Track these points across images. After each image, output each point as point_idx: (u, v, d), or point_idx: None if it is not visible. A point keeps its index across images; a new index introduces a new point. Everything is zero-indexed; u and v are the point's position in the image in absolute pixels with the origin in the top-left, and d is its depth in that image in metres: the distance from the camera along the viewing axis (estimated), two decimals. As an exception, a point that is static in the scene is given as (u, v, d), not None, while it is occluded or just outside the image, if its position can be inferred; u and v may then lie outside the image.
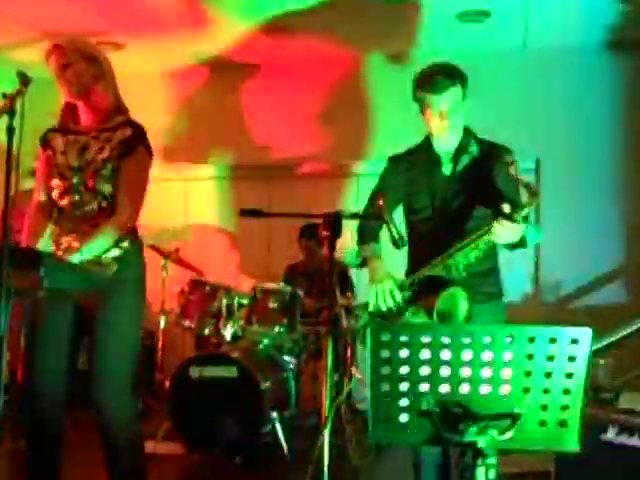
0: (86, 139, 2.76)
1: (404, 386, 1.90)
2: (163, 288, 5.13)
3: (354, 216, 2.35)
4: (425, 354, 1.88)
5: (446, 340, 1.88)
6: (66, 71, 2.70)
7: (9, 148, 2.13)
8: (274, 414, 4.06)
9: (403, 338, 1.89)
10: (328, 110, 6.02)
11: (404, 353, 1.89)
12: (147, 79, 6.16)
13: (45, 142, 2.83)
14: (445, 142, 2.71)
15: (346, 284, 4.90)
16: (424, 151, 2.78)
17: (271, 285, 4.51)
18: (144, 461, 2.79)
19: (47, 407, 2.66)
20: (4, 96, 2.16)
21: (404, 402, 1.91)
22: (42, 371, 2.66)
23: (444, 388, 1.89)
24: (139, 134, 2.76)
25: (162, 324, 5.17)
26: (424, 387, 1.90)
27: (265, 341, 4.45)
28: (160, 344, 5.16)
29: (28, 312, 2.72)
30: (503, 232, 2.43)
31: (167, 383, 4.19)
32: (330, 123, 5.98)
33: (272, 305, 4.34)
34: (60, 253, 2.60)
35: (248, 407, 4.03)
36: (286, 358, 4.55)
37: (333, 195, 5.80)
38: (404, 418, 1.92)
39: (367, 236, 2.80)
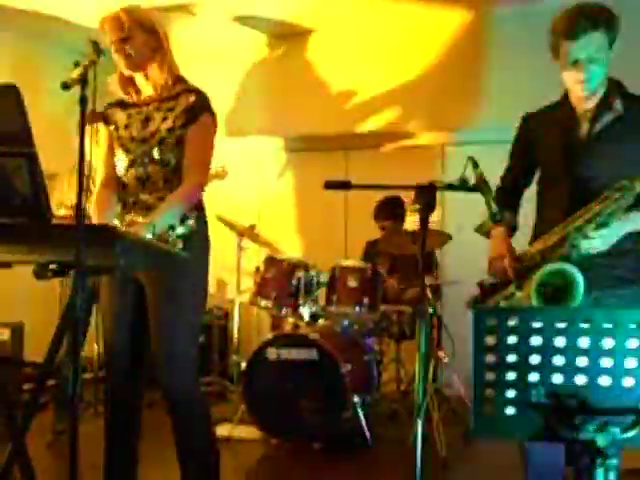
0: (148, 110, 2.67)
1: (511, 376, 1.71)
2: (238, 266, 5.03)
3: (449, 187, 2.14)
4: (536, 341, 1.69)
5: (561, 325, 1.67)
6: (124, 43, 2.59)
7: (82, 118, 2.01)
8: (355, 399, 3.90)
9: (511, 323, 1.70)
10: (414, 76, 5.75)
11: (512, 339, 1.70)
12: (215, 48, 6.05)
13: (106, 117, 2.75)
14: (582, 98, 2.37)
15: (431, 262, 4.68)
16: (559, 109, 2.46)
17: (351, 262, 4.34)
18: (214, 443, 2.72)
19: (123, 380, 2.65)
20: (76, 65, 2.04)
21: (511, 393, 1.72)
22: (114, 347, 2.65)
23: (557, 378, 1.70)
24: (202, 101, 2.66)
25: (237, 304, 5.07)
26: (534, 377, 1.71)
27: (345, 322, 4.29)
28: (236, 324, 5.07)
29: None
30: None
31: (243, 365, 4.08)
32: (416, 90, 5.71)
33: (352, 284, 4.16)
34: (124, 229, 2.50)
35: (328, 391, 3.88)
36: (367, 340, 4.38)
37: (416, 168, 5.51)
38: (510, 411, 1.73)
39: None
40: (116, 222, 2.63)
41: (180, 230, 2.57)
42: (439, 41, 5.69)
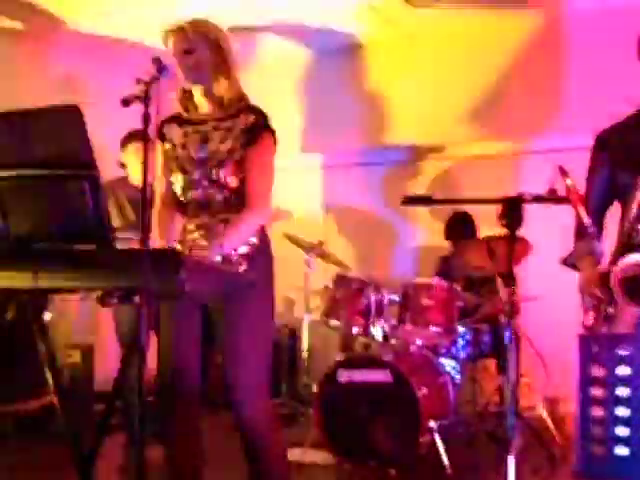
0: (206, 129, 2.56)
1: (623, 411, 1.51)
2: (306, 284, 4.90)
3: (538, 199, 1.96)
4: (652, 372, 1.49)
5: (683, 355, 1.47)
6: (187, 57, 2.49)
7: (145, 136, 1.91)
8: (432, 423, 3.70)
9: (622, 352, 1.50)
10: (480, 84, 5.54)
11: (623, 370, 1.50)
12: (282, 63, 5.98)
13: (161, 135, 2.64)
14: None
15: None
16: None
17: (424, 280, 4.14)
18: (286, 467, 2.61)
19: (182, 407, 2.53)
20: (138, 82, 1.95)
21: (623, 431, 1.52)
22: (177, 371, 2.52)
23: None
24: (262, 120, 2.54)
25: (306, 323, 4.94)
26: (651, 413, 1.50)
27: (419, 342, 4.10)
28: (305, 345, 4.93)
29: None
30: None
31: (315, 387, 3.93)
32: (492, 95, 5.50)
33: (426, 302, 3.97)
34: (187, 252, 2.40)
35: (403, 415, 3.69)
36: (443, 360, 4.17)
37: (490, 178, 5.29)
38: (622, 451, 1.53)
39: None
40: (177, 245, 2.54)
41: (243, 249, 2.48)
42: (506, 46, 5.46)
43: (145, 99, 1.90)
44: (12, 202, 1.96)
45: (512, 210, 1.93)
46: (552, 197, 1.99)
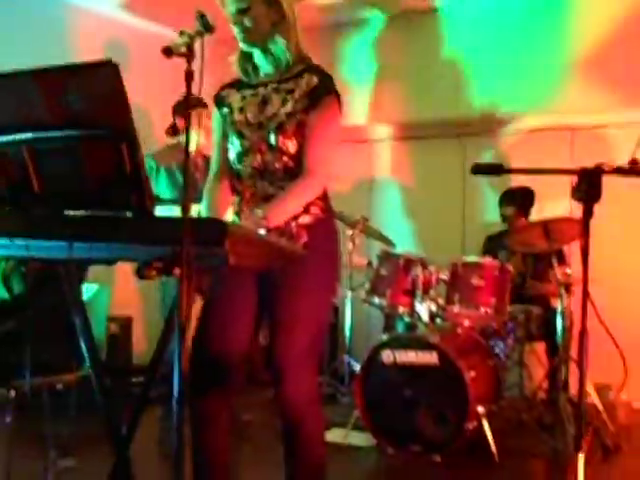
0: (266, 92, 2.38)
1: None
2: (350, 261, 4.73)
3: (618, 171, 1.77)
4: None
5: None
6: (243, 15, 2.31)
7: (187, 96, 1.76)
8: (480, 408, 3.54)
9: None
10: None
11: None
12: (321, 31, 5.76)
13: (220, 100, 2.48)
14: None
15: (562, 258, 4.25)
16: None
17: (474, 258, 3.96)
18: (324, 451, 2.43)
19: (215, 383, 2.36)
20: (181, 34, 1.79)
21: None
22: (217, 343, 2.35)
23: None
24: (326, 82, 2.35)
25: (349, 301, 4.79)
26: None
27: (467, 323, 3.92)
28: (347, 323, 4.79)
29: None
30: None
31: (357, 368, 3.79)
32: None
33: (476, 282, 3.78)
34: (244, 223, 2.24)
35: (450, 399, 3.54)
36: (492, 342, 4.00)
37: (540, 154, 5.04)
38: None
39: None
40: (233, 216, 2.39)
41: (304, 219, 2.32)
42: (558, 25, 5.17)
43: (188, 54, 1.74)
44: (46, 166, 1.83)
45: (589, 183, 1.75)
46: (634, 169, 1.80)
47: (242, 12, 2.31)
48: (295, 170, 2.32)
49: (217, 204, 2.42)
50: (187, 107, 1.80)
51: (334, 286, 2.46)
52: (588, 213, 1.76)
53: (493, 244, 4.71)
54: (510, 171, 1.73)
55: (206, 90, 2.04)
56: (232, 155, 2.41)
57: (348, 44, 5.89)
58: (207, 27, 1.91)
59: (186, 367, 1.67)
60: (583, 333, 1.75)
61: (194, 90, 1.79)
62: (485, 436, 3.59)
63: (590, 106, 5.04)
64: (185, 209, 1.73)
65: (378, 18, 5.76)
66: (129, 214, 1.79)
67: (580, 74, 5.05)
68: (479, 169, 1.75)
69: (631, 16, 4.90)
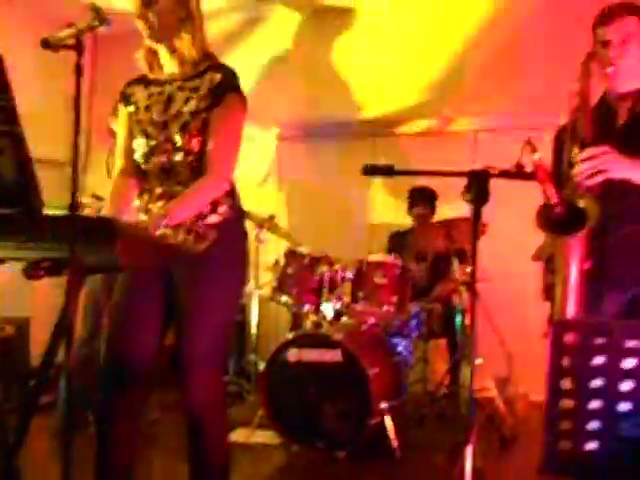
0: (171, 89, 2.35)
1: (596, 404, 1.40)
2: (257, 260, 4.72)
3: (504, 174, 1.83)
4: (629, 362, 1.38)
5: (661, 344, 1.36)
6: (149, 9, 2.26)
7: (77, 91, 1.70)
8: (382, 404, 3.59)
9: (599, 340, 1.38)
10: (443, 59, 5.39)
11: (598, 360, 1.39)
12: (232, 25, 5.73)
13: (125, 97, 2.44)
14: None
15: (464, 257, 4.37)
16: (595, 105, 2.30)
17: (379, 257, 4.01)
18: (228, 451, 2.45)
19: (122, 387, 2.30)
20: (69, 26, 1.73)
21: (594, 425, 1.42)
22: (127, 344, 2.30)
23: (653, 409, 1.38)
24: (230, 79, 2.34)
25: (255, 299, 4.77)
26: (625, 406, 1.39)
27: (371, 320, 3.98)
28: (254, 321, 4.77)
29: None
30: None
31: (262, 366, 3.78)
32: (446, 73, 5.35)
33: (380, 280, 3.85)
34: (144, 221, 2.20)
35: (353, 396, 3.57)
36: (395, 340, 4.07)
37: (446, 154, 5.17)
38: (593, 446, 1.43)
39: None
40: (142, 216, 2.34)
41: (212, 219, 2.30)
42: (470, 23, 5.32)
43: (77, 47, 1.68)
44: None
45: (477, 185, 1.80)
46: (519, 173, 1.87)
47: (147, 6, 2.27)
48: (200, 169, 2.29)
49: (118, 202, 2.37)
50: (77, 101, 1.73)
51: (240, 286, 2.45)
52: (477, 214, 1.81)
53: (397, 243, 4.79)
54: (400, 173, 1.76)
55: (101, 85, 2.00)
56: (138, 154, 2.37)
57: (257, 39, 5.87)
58: (101, 20, 1.86)
59: (71, 370, 1.63)
60: (471, 329, 1.80)
61: (85, 85, 1.75)
62: (388, 432, 3.65)
63: (491, 109, 5.21)
64: (74, 208, 1.69)
65: (285, 15, 5.76)
66: (17, 212, 1.72)
67: (481, 78, 5.22)
68: (370, 170, 1.77)
69: (522, 22, 5.10)
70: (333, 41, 5.70)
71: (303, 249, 4.09)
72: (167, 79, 2.38)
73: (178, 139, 2.28)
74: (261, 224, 4.64)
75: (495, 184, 1.92)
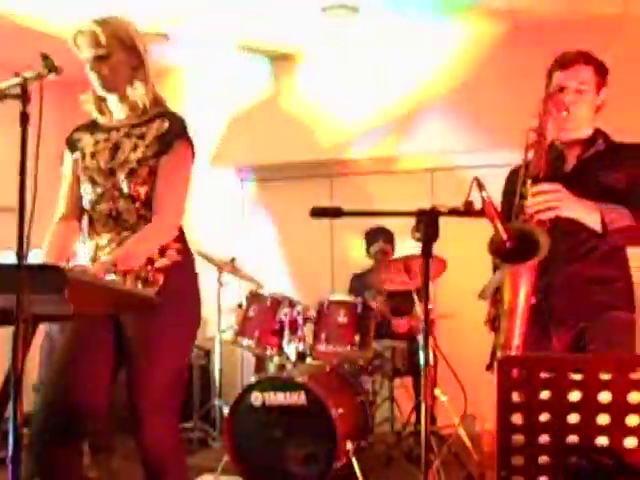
0: (118, 136, 2.35)
1: (544, 438, 1.41)
2: (218, 302, 4.70)
3: (454, 212, 1.86)
4: (575, 396, 1.39)
5: (605, 377, 1.38)
6: (101, 63, 2.28)
7: (23, 140, 1.70)
8: (349, 445, 3.56)
9: (544, 375, 1.40)
10: (400, 100, 5.47)
11: (545, 395, 1.40)
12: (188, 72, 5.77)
13: (72, 143, 2.43)
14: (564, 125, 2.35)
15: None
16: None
17: (340, 297, 4.01)
18: None
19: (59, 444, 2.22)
20: (16, 75, 1.73)
21: (544, 459, 1.42)
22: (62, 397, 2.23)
23: (601, 441, 1.39)
24: (178, 127, 2.35)
25: (218, 343, 4.73)
26: (573, 439, 1.40)
27: (335, 361, 3.96)
28: (217, 365, 4.72)
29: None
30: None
31: (226, 411, 3.73)
32: (399, 112, 5.44)
33: (342, 320, 3.84)
34: (91, 269, 2.17)
35: (319, 438, 3.53)
36: (359, 379, 4.05)
37: (403, 193, 5.23)
38: (544, 480, 1.43)
39: None
40: (88, 263, 2.31)
41: (160, 263, 2.28)
42: (426, 62, 5.44)
43: (23, 96, 1.68)
44: None
45: (427, 223, 1.82)
46: (468, 210, 1.89)
47: (100, 59, 2.28)
48: (147, 216, 2.29)
49: (57, 248, 2.35)
50: (22, 152, 1.71)
51: (191, 330, 2.41)
52: (427, 252, 1.83)
53: (359, 282, 4.80)
54: (348, 214, 1.78)
55: (50, 134, 1.99)
56: (85, 201, 2.36)
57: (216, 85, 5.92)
58: (51, 69, 1.86)
59: (21, 423, 1.59)
60: (425, 367, 1.81)
61: (33, 133, 1.74)
62: (354, 472, 3.61)
63: (449, 148, 5.30)
64: (21, 256, 1.67)
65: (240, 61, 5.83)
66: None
67: (439, 116, 5.31)
68: (318, 212, 1.79)
69: (486, 59, 5.21)
70: (288, 84, 5.78)
71: (264, 291, 4.08)
72: (114, 126, 2.38)
73: (124, 186, 2.28)
74: (222, 266, 4.62)
75: (458, 222, 1.96)
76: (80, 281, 1.76)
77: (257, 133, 5.70)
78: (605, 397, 1.37)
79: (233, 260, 4.66)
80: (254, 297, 4.01)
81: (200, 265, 4.47)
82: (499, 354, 2.24)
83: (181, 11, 4.83)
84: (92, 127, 2.43)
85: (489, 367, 2.30)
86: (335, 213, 1.77)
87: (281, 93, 5.76)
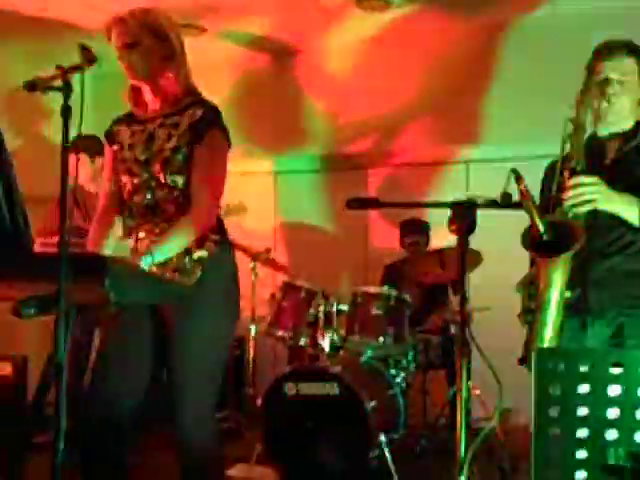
0: (152, 127, 2.37)
1: (583, 432, 1.40)
2: (253, 293, 4.73)
3: (491, 204, 1.85)
4: (614, 390, 1.38)
5: (646, 371, 1.36)
6: (132, 51, 2.29)
7: (65, 131, 1.73)
8: (382, 437, 3.56)
9: (583, 368, 1.39)
10: (430, 90, 5.43)
11: (584, 389, 1.39)
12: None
13: (110, 136, 2.46)
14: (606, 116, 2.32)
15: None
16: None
17: (374, 289, 4.01)
18: None
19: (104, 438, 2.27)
20: (57, 67, 1.76)
21: (582, 454, 1.41)
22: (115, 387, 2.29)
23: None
24: (212, 115, 2.35)
25: (252, 333, 4.76)
26: (612, 434, 1.39)
27: (369, 353, 3.96)
28: (251, 356, 4.76)
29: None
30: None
31: (259, 401, 3.76)
32: (432, 104, 5.40)
33: (376, 312, 3.84)
34: (130, 260, 2.20)
35: (352, 429, 3.54)
36: (393, 372, 4.05)
37: (439, 184, 5.21)
38: (581, 475, 1.42)
39: None
40: (128, 254, 2.32)
41: (198, 254, 2.29)
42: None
43: (65, 89, 1.71)
44: None
45: (463, 215, 1.81)
46: (506, 202, 1.88)
47: (129, 47, 2.29)
48: (186, 204, 2.30)
49: (102, 239, 2.39)
50: (64, 144, 1.74)
51: (229, 322, 2.43)
52: (464, 245, 1.82)
53: (392, 273, 4.79)
54: (385, 205, 1.78)
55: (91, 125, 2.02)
56: (124, 192, 2.39)
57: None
58: (90, 60, 1.88)
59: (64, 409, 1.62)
60: (461, 363, 1.80)
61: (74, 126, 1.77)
62: (388, 464, 3.61)
63: (486, 139, 5.26)
64: (63, 244, 1.70)
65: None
66: (6, 250, 1.74)
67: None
68: (354, 204, 1.79)
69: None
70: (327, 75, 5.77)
71: (299, 282, 4.10)
72: (150, 116, 2.40)
73: (161, 176, 2.30)
74: (257, 257, 4.64)
75: (493, 214, 1.94)
76: (121, 270, 1.79)
77: (292, 125, 5.71)
78: (645, 392, 1.36)
79: (268, 250, 4.68)
80: (288, 288, 4.03)
81: (236, 256, 4.57)
82: (531, 347, 2.23)
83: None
84: (129, 119, 2.45)
85: (522, 361, 2.28)
86: (372, 204, 1.76)
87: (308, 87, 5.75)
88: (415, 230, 4.72)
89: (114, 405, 2.26)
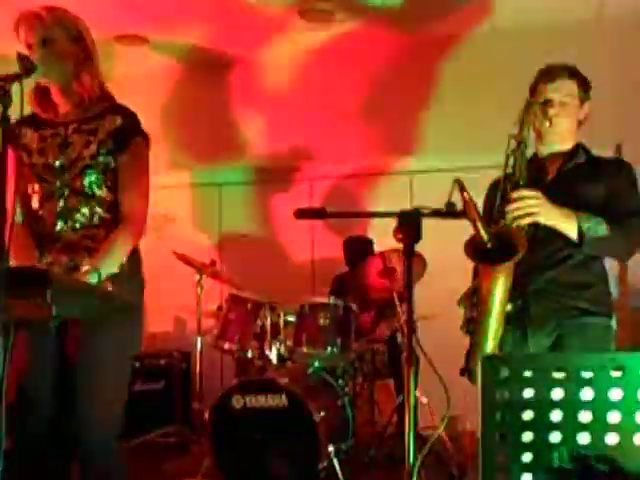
0: (66, 132, 2.26)
1: (527, 436, 1.43)
2: (198, 306, 4.68)
3: (436, 213, 1.87)
4: (557, 394, 1.41)
5: (587, 375, 1.40)
6: (44, 47, 2.18)
7: (4, 142, 1.68)
8: (330, 448, 3.56)
9: (527, 373, 1.41)
10: (370, 102, 5.50)
11: (528, 393, 1.42)
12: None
13: (13, 139, 2.27)
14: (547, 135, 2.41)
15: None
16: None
17: (320, 299, 4.01)
18: None
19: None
20: (-5, 77, 1.71)
21: (527, 457, 1.44)
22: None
23: (584, 438, 1.41)
24: (132, 122, 2.30)
25: (199, 346, 4.71)
26: (555, 437, 1.42)
27: (316, 363, 3.96)
28: (197, 369, 4.70)
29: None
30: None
31: (207, 415, 3.71)
32: (373, 117, 5.46)
33: (323, 322, 3.84)
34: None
35: (300, 441, 3.53)
36: (340, 382, 4.05)
37: (383, 195, 5.26)
38: (528, 478, 1.45)
39: None
40: (55, 268, 2.22)
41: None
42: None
43: (4, 99, 1.66)
44: None
45: (409, 224, 1.83)
46: (450, 211, 1.91)
47: (42, 43, 2.19)
48: (102, 215, 2.24)
49: (26, 251, 2.23)
50: (3, 154, 1.69)
51: (137, 342, 2.34)
52: (409, 253, 1.84)
53: (340, 284, 4.81)
54: (332, 215, 1.79)
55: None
56: (34, 200, 2.26)
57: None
58: (29, 69, 1.84)
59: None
60: (408, 370, 1.82)
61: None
62: (337, 475, 3.61)
63: (427, 150, 5.34)
64: (2, 257, 1.65)
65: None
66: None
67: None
68: (302, 214, 1.79)
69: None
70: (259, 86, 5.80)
71: (245, 294, 4.07)
72: (61, 120, 2.29)
73: (77, 184, 2.22)
74: (201, 270, 4.60)
75: (439, 224, 1.97)
76: (62, 283, 1.75)
77: (230, 136, 5.70)
78: (587, 394, 1.39)
79: (213, 263, 4.64)
80: (235, 300, 4.00)
81: (180, 268, 4.51)
82: (471, 358, 2.27)
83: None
84: (34, 122, 2.31)
85: (463, 372, 2.32)
86: (318, 214, 1.77)
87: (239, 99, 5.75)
88: (360, 255, 4.71)
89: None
